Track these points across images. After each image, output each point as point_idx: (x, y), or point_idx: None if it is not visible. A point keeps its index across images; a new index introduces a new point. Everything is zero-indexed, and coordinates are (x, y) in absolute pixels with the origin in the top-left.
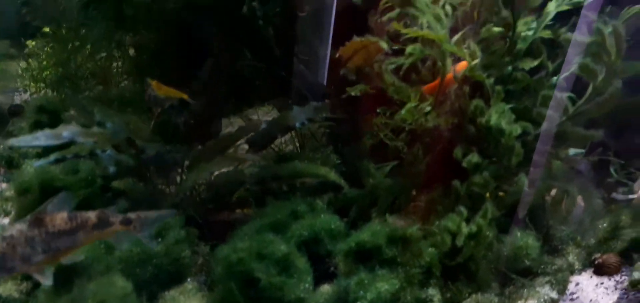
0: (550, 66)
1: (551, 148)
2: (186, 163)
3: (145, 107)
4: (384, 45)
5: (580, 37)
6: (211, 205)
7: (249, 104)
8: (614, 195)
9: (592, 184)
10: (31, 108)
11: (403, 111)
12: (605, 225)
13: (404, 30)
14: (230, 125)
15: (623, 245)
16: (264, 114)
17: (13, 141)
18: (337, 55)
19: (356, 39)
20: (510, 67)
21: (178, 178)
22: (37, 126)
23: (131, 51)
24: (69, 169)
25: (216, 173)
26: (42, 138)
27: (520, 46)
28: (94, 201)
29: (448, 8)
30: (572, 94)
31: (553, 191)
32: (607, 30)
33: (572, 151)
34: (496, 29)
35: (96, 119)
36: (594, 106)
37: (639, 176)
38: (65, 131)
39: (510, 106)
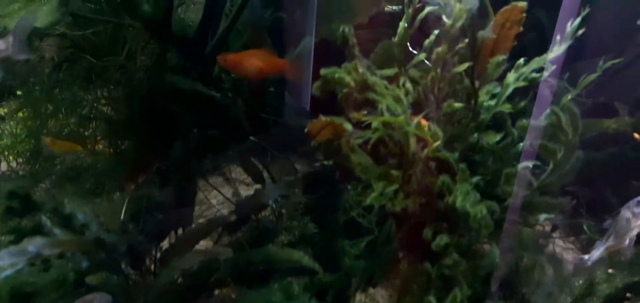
0: (515, 134)
1: (520, 217)
2: (158, 255)
3: (118, 177)
4: (348, 127)
5: (535, 123)
6: (187, 295)
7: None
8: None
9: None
10: (2, 194)
11: (369, 198)
12: (581, 282)
13: (364, 118)
14: (206, 190)
15: (598, 301)
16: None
17: None
18: (306, 130)
19: (322, 117)
20: (475, 137)
21: (152, 267)
22: (8, 212)
23: (107, 110)
24: (39, 270)
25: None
26: (6, 257)
27: (484, 116)
28: (68, 299)
29: (408, 86)
30: (536, 163)
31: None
32: (563, 116)
33: (542, 216)
34: (457, 105)
35: (67, 211)
36: (556, 178)
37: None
38: (31, 246)
39: (476, 179)
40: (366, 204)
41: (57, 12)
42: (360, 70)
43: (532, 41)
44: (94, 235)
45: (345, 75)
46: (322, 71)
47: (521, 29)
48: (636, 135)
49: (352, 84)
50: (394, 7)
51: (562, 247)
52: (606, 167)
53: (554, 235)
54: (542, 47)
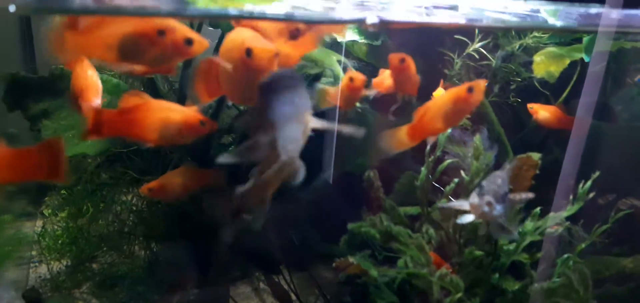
0: (534, 276)
1: None
2: None
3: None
4: (374, 273)
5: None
6: None
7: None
8: None
9: None
10: None
11: None
12: None
13: (391, 272)
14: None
15: None
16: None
17: None
18: (334, 265)
19: (350, 258)
20: (496, 277)
21: None
22: None
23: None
24: None
25: None
26: None
27: (503, 260)
28: None
29: (431, 232)
30: None
31: None
32: (573, 275)
33: None
34: (478, 253)
35: None
36: None
37: None
38: None
39: None
40: None
41: (108, 140)
42: (385, 223)
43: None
44: None
45: (370, 228)
46: (350, 226)
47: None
48: None
49: (378, 236)
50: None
51: None
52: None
53: None
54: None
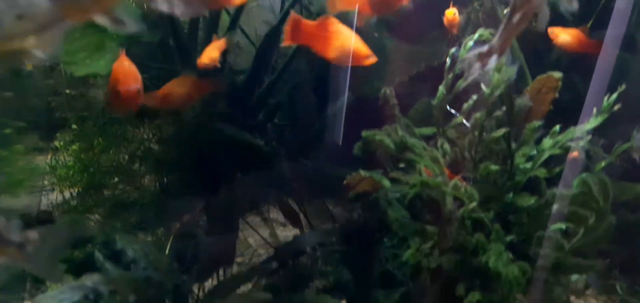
0: (548, 194)
1: (552, 277)
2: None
3: (163, 214)
4: (386, 183)
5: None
6: None
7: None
8: None
9: None
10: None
11: (406, 255)
12: None
13: (403, 179)
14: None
15: None
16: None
17: (40, 299)
18: (345, 182)
19: (361, 172)
20: (510, 197)
21: None
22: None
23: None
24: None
25: None
26: (68, 292)
27: (519, 178)
28: None
29: (446, 146)
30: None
31: None
32: (591, 181)
33: (574, 277)
34: (494, 167)
35: (118, 246)
36: (589, 241)
37: None
38: (88, 282)
39: (509, 239)
40: (403, 260)
41: None
42: (400, 133)
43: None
44: (144, 273)
45: (386, 137)
46: (364, 133)
47: (557, 95)
48: None
49: (392, 146)
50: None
51: None
52: None
53: (587, 292)
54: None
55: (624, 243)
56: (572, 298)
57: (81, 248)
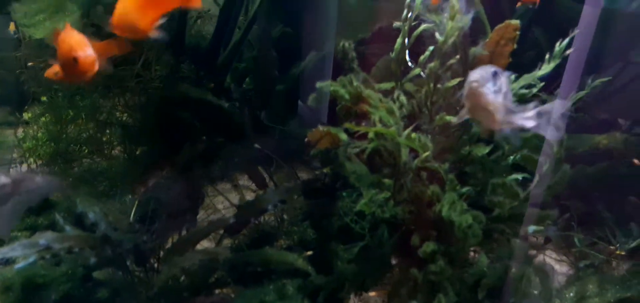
0: (506, 147)
1: (509, 228)
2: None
3: (130, 180)
4: (344, 136)
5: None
6: (187, 293)
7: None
8: None
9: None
10: None
11: (359, 205)
12: (572, 294)
13: (357, 128)
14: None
15: None
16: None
17: None
18: (306, 140)
19: (320, 127)
20: (466, 149)
21: (156, 264)
22: (26, 210)
23: (123, 117)
24: (51, 263)
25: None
26: (19, 249)
27: (475, 129)
28: (76, 292)
29: (402, 98)
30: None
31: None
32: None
33: (531, 228)
34: (449, 117)
35: (78, 210)
36: (545, 190)
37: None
38: (42, 240)
39: (466, 189)
40: (357, 210)
41: (79, 23)
42: (355, 83)
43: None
44: (102, 233)
45: (340, 88)
46: (318, 84)
47: (515, 46)
48: (636, 161)
49: (347, 96)
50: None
51: (555, 259)
52: (598, 182)
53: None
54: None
55: (582, 196)
56: (533, 252)
57: (45, 214)
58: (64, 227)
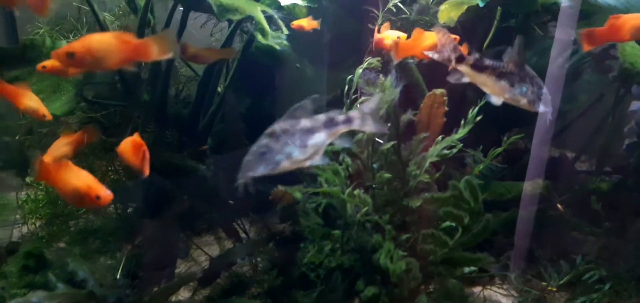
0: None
1: (445, 271)
2: None
3: (120, 238)
4: (298, 195)
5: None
6: None
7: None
8: None
9: None
10: (21, 254)
11: (308, 256)
12: None
13: (307, 190)
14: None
15: None
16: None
17: None
18: (270, 197)
19: (280, 187)
20: (406, 201)
21: None
22: (24, 269)
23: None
24: None
25: None
26: None
27: (412, 183)
28: None
29: (347, 160)
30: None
31: None
32: (462, 185)
33: (467, 269)
34: (387, 175)
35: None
36: (469, 238)
37: None
38: (34, 298)
39: (405, 237)
40: (306, 261)
41: (74, 101)
42: None
43: None
44: (88, 290)
45: None
46: None
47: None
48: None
49: None
50: None
51: (502, 294)
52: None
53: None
54: None
55: (517, 236)
56: (476, 288)
57: (41, 273)
58: (56, 285)
